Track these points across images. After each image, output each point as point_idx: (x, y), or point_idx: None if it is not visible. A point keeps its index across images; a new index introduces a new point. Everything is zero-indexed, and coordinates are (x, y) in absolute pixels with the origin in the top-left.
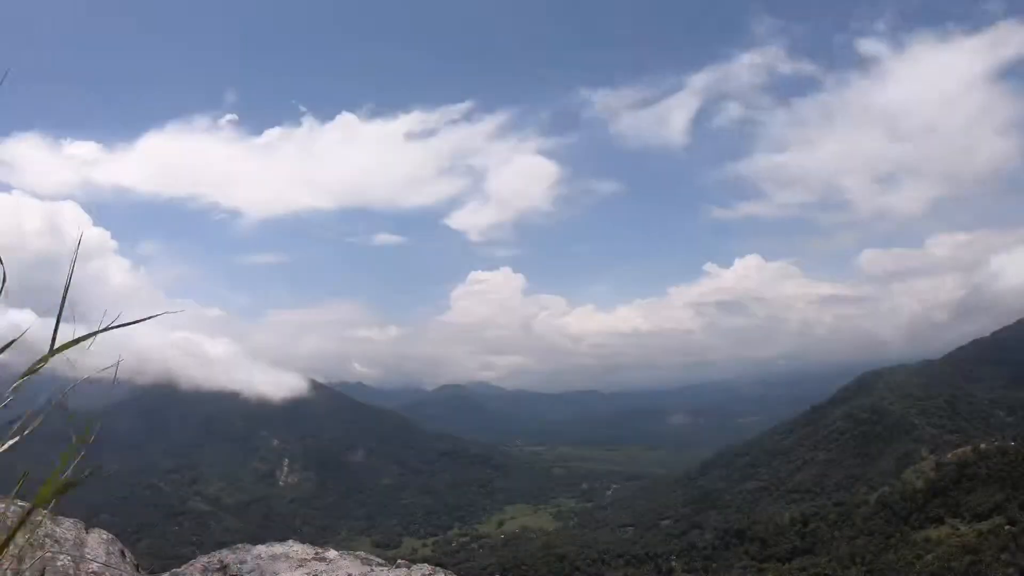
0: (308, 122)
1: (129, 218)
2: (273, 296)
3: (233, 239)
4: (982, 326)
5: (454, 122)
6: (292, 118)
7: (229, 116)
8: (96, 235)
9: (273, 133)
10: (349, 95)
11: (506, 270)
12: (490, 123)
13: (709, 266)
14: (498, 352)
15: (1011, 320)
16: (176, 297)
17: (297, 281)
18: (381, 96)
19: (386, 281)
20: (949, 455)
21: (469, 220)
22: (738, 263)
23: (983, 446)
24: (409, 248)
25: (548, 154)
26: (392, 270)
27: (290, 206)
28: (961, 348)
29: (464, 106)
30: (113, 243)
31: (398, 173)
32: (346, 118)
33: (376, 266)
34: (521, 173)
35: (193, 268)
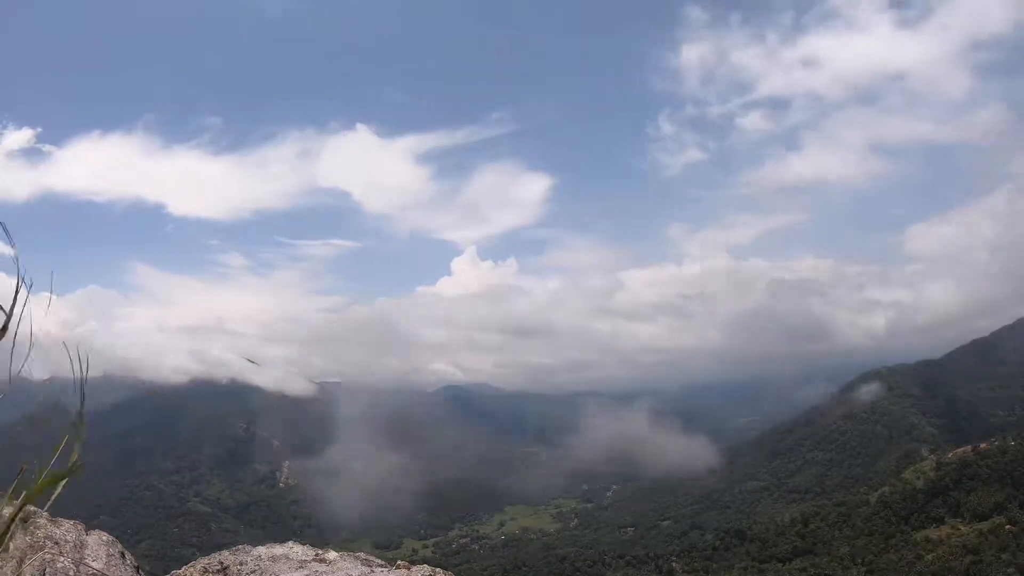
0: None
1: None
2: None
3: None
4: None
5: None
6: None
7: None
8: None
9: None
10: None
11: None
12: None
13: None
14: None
15: (1011, 320)
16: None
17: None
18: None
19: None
20: (949, 455)
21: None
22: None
23: (983, 446)
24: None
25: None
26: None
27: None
28: (961, 348)
29: None
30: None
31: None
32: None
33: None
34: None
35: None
